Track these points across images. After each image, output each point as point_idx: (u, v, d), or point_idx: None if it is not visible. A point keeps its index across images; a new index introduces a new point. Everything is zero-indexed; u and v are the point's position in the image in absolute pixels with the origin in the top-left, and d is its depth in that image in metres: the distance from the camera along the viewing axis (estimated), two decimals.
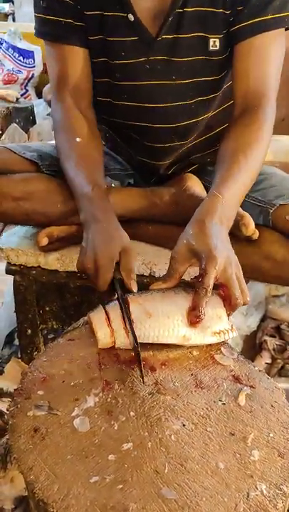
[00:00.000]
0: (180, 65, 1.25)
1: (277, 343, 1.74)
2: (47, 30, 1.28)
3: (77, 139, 1.23)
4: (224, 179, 1.08)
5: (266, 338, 1.74)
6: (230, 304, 0.96)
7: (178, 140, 1.37)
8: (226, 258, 0.96)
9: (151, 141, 1.37)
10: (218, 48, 1.23)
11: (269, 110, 1.18)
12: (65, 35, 1.26)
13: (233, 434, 0.80)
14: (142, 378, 0.89)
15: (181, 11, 1.19)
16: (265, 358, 1.71)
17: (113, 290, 1.04)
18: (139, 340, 0.94)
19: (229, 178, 1.08)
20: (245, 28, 1.17)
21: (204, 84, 1.28)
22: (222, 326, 0.96)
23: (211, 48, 1.23)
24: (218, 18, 1.20)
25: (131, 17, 1.21)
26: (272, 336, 1.76)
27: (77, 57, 1.28)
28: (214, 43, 1.23)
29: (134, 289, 1.04)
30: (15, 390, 0.88)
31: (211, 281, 0.92)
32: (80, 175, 1.19)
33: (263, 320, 1.80)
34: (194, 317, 0.93)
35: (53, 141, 1.37)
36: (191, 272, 1.07)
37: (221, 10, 1.19)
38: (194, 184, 1.41)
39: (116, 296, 1.03)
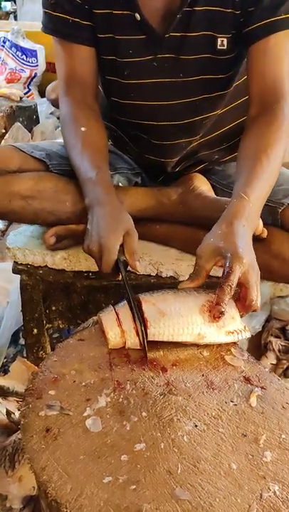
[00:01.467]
0: (187, 62, 1.26)
1: (282, 343, 1.74)
2: (54, 27, 1.30)
3: (82, 128, 1.26)
4: (249, 180, 1.09)
5: (271, 338, 1.74)
6: (244, 305, 0.97)
7: (185, 137, 1.38)
8: (250, 260, 0.97)
9: (158, 139, 1.38)
10: (225, 47, 1.24)
11: (287, 107, 1.19)
12: (72, 34, 1.28)
13: (245, 435, 0.80)
14: (145, 353, 0.93)
15: (190, 9, 1.20)
16: (270, 359, 1.71)
17: (117, 272, 1.07)
18: (154, 339, 0.95)
19: (254, 179, 1.09)
20: (258, 29, 1.17)
21: (211, 82, 1.29)
22: (235, 326, 0.97)
23: (218, 47, 1.24)
24: (228, 17, 1.20)
25: (137, 16, 1.22)
26: (277, 336, 1.76)
27: (84, 56, 1.30)
28: (222, 42, 1.23)
29: (139, 269, 1.08)
30: (26, 389, 0.88)
31: (236, 279, 0.94)
32: (84, 161, 1.22)
33: (268, 321, 1.79)
34: (218, 312, 0.94)
35: (61, 140, 1.38)
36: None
37: (230, 10, 1.19)
38: (201, 184, 1.41)
39: (120, 277, 1.06)
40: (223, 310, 0.93)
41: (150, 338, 0.95)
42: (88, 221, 1.14)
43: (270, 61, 1.18)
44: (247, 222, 1.03)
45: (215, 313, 0.94)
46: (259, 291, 0.98)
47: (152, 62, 1.27)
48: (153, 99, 1.31)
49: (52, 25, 1.30)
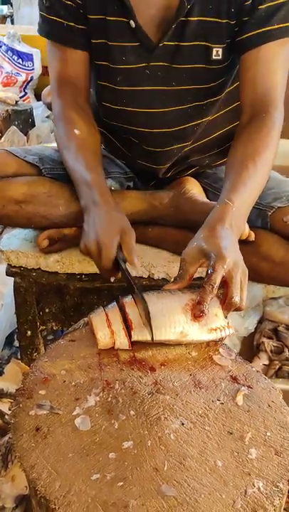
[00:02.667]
0: (180, 71, 1.27)
1: (275, 344, 1.75)
2: (49, 30, 1.31)
3: (76, 131, 1.27)
4: (234, 186, 1.10)
5: (264, 339, 1.76)
6: (225, 303, 0.98)
7: (176, 144, 1.39)
8: (234, 259, 0.98)
9: (150, 146, 1.39)
10: (220, 57, 1.25)
11: (277, 116, 1.20)
12: (66, 38, 1.29)
13: (231, 433, 0.82)
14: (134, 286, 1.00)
15: (184, 19, 1.21)
16: (262, 360, 1.73)
17: (116, 269, 1.09)
18: (138, 339, 0.97)
19: (239, 185, 1.10)
20: (251, 38, 1.19)
21: (203, 90, 1.30)
22: (218, 323, 0.98)
23: (213, 57, 1.25)
24: (222, 28, 1.21)
25: (132, 23, 1.23)
26: (269, 337, 1.77)
27: (77, 60, 1.31)
28: (217, 53, 1.24)
29: (137, 266, 1.12)
30: (17, 389, 0.90)
31: (218, 278, 0.95)
32: (79, 163, 1.23)
33: (260, 322, 1.81)
34: (199, 311, 0.95)
35: (54, 144, 1.39)
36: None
37: (225, 20, 1.20)
38: (193, 187, 1.43)
39: (119, 273, 1.09)
40: (204, 309, 0.95)
41: (134, 339, 0.97)
42: (84, 222, 1.15)
43: (261, 70, 1.20)
44: (230, 226, 1.04)
45: (196, 313, 0.95)
46: (245, 291, 0.99)
47: (145, 70, 1.28)
48: (145, 106, 1.32)
49: (46, 28, 1.31)
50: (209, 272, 0.96)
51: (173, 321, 0.96)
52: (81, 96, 1.34)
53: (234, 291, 0.96)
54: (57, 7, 1.26)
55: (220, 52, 1.24)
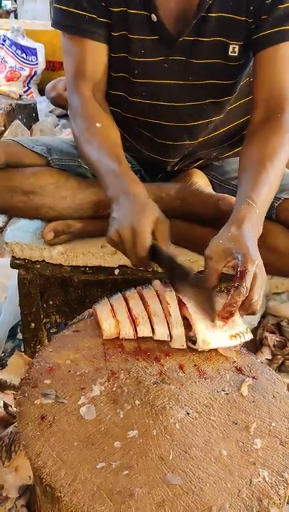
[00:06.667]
0: (197, 66, 1.27)
1: (278, 339, 1.75)
2: (68, 23, 1.28)
3: (97, 124, 1.24)
4: (255, 186, 1.09)
5: (267, 334, 1.75)
6: (243, 305, 0.96)
7: (189, 139, 1.39)
8: (260, 263, 0.97)
9: (162, 139, 1.39)
10: (237, 53, 1.25)
11: None
12: (87, 30, 1.26)
13: (236, 423, 0.82)
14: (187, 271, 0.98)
15: (204, 14, 1.21)
16: (265, 354, 1.72)
17: (150, 258, 1.04)
18: (142, 335, 0.96)
19: (260, 185, 1.10)
20: (269, 36, 1.19)
21: (219, 86, 1.31)
22: (238, 329, 0.97)
23: (230, 54, 1.25)
24: (241, 25, 1.22)
25: (154, 17, 1.23)
26: (272, 332, 1.77)
27: (97, 53, 1.29)
28: (234, 49, 1.25)
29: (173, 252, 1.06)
30: (22, 379, 0.90)
31: (250, 280, 0.94)
32: (104, 155, 1.19)
33: (263, 317, 1.81)
34: (228, 313, 0.94)
35: (60, 136, 1.39)
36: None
37: (244, 18, 1.21)
38: (199, 179, 1.43)
39: (152, 263, 1.04)
40: (233, 311, 0.94)
41: (140, 335, 0.97)
42: (113, 211, 1.10)
43: (278, 69, 1.20)
44: (253, 228, 1.04)
45: (224, 314, 0.94)
46: (262, 295, 0.98)
47: (163, 64, 1.28)
48: (161, 99, 1.33)
49: (64, 21, 1.28)
50: (240, 272, 0.94)
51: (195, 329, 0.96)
52: (99, 91, 1.32)
53: (255, 294, 0.95)
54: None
55: (236, 49, 1.25)
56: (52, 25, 1.33)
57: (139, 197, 1.09)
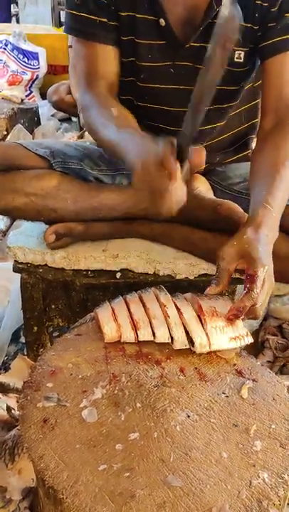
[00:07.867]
0: None
1: (279, 341, 1.76)
2: (79, 27, 1.30)
3: (113, 109, 1.24)
4: (271, 191, 1.11)
5: (268, 336, 1.76)
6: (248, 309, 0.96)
7: (192, 144, 1.40)
8: (270, 270, 0.99)
9: None
10: (242, 60, 1.27)
11: None
12: (99, 34, 1.28)
13: (236, 426, 0.83)
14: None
15: (211, 21, 1.22)
16: (267, 356, 1.73)
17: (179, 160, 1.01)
18: (143, 339, 0.97)
19: (275, 190, 1.11)
20: (277, 43, 1.21)
21: (224, 93, 1.31)
22: (238, 332, 0.97)
23: (235, 60, 1.27)
24: (246, 32, 1.23)
25: (162, 22, 1.24)
26: (274, 334, 1.78)
27: (109, 56, 1.30)
28: (239, 56, 1.27)
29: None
30: (24, 382, 0.91)
31: (261, 284, 0.95)
32: (122, 131, 1.17)
33: (265, 319, 1.82)
34: (235, 315, 0.95)
35: (64, 139, 1.40)
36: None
37: (249, 25, 1.23)
38: (201, 185, 1.44)
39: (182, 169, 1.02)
40: (239, 314, 0.95)
41: (140, 339, 0.98)
42: (133, 156, 1.04)
43: (287, 76, 1.22)
44: (269, 232, 1.05)
45: (231, 316, 0.96)
46: (266, 302, 0.99)
47: (170, 69, 1.30)
48: (167, 104, 1.34)
49: (76, 26, 1.30)
50: (250, 275, 0.95)
51: (194, 331, 0.97)
52: (111, 92, 1.32)
53: (260, 299, 0.96)
54: (89, 4, 1.25)
55: (242, 56, 1.27)
56: (64, 31, 1.35)
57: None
